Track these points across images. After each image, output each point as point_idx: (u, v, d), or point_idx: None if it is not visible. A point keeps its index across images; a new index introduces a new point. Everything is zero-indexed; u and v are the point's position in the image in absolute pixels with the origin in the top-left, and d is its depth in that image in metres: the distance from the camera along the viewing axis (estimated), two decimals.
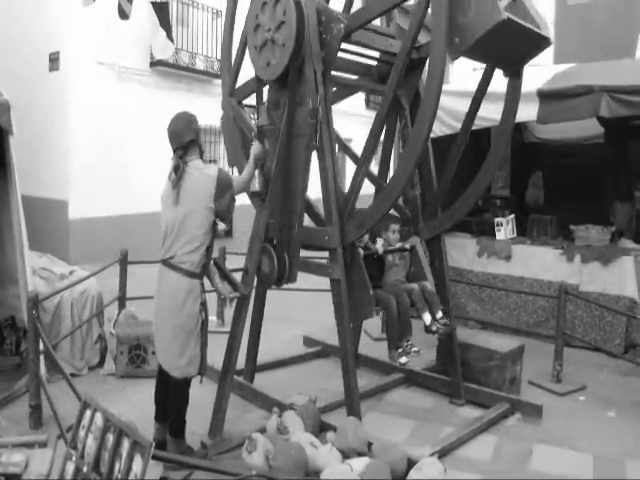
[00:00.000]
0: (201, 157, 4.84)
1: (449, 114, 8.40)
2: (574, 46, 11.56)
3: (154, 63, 14.90)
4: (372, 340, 8.29)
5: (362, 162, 5.11)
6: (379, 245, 5.53)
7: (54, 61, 13.78)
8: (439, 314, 5.55)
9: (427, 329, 5.59)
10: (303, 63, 4.88)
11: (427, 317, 5.54)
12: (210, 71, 16.32)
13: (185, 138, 4.70)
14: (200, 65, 16.19)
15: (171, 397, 4.89)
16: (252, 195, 5.16)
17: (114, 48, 13.93)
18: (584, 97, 7.52)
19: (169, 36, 14.02)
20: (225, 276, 4.90)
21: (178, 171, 4.66)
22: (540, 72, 8.43)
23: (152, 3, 13.89)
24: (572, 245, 8.67)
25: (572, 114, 7.70)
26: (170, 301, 4.63)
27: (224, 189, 4.64)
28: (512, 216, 9.22)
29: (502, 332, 8.47)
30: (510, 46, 4.87)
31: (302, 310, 9.50)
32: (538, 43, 5.02)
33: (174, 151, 4.74)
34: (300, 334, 8.10)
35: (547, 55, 11.64)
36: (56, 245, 12.46)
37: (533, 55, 5.19)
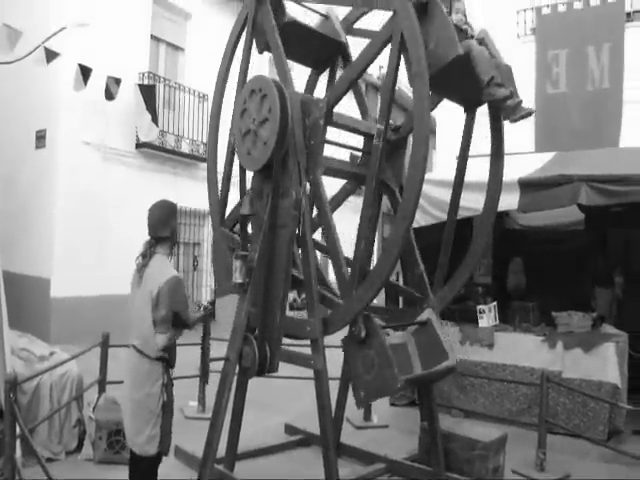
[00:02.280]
0: (171, 249, 5.05)
1: (432, 203, 8.49)
2: (556, 134, 11.78)
3: (140, 145, 15.00)
4: (354, 428, 8.22)
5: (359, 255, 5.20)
6: None
7: (40, 139, 13.88)
8: None
9: None
10: (287, 155, 4.98)
11: None
12: (195, 154, 16.42)
13: (160, 233, 4.91)
14: (185, 148, 16.28)
15: (132, 473, 4.99)
16: (234, 286, 5.20)
17: (100, 128, 14.04)
18: (564, 186, 7.70)
19: (154, 119, 14.20)
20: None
21: (145, 259, 4.90)
22: (521, 161, 8.61)
23: (139, 86, 14.16)
24: (554, 332, 8.71)
25: (552, 203, 7.88)
26: (131, 381, 4.80)
27: (163, 300, 4.69)
28: (494, 303, 9.26)
29: (485, 420, 8.40)
30: None
31: (284, 397, 9.41)
32: None
33: (149, 235, 4.96)
34: (282, 421, 7.99)
35: (528, 143, 11.89)
36: (37, 323, 12.35)
37: None
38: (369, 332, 4.81)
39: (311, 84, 6.84)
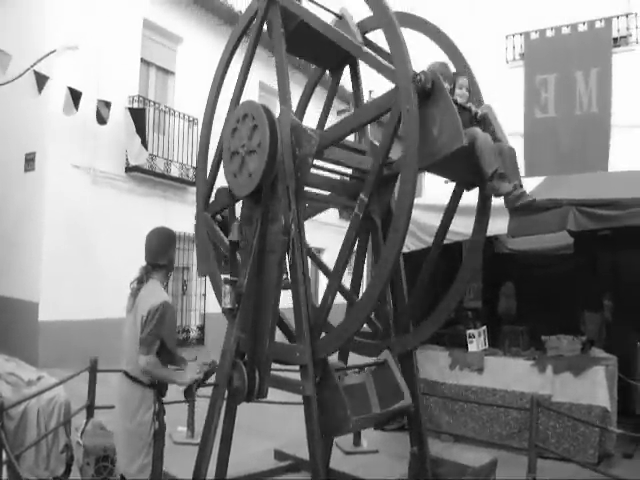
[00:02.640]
0: (167, 276, 5.07)
1: (421, 228, 8.50)
2: (544, 159, 11.87)
3: (129, 168, 14.96)
4: (344, 454, 8.17)
5: (334, 278, 5.19)
6: None
7: (30, 162, 13.82)
8: None
9: None
10: (276, 179, 4.98)
11: None
12: (185, 178, 16.40)
13: (158, 261, 4.92)
14: (175, 172, 16.26)
15: None
16: (223, 311, 5.20)
17: (90, 152, 14.00)
18: (552, 211, 7.71)
19: (143, 142, 14.18)
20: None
21: (140, 284, 4.90)
22: None
23: (129, 109, 14.17)
24: (544, 356, 8.72)
25: (541, 228, 7.89)
26: (123, 408, 4.76)
27: (149, 321, 4.65)
28: (484, 328, 9.28)
29: (475, 445, 8.37)
30: None
31: (273, 422, 9.36)
32: None
33: (145, 261, 4.96)
34: (271, 447, 7.95)
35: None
36: (25, 347, 12.27)
37: None
38: (324, 375, 4.93)
39: (313, 81, 6.88)
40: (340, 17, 6.03)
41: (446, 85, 4.77)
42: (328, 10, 6.02)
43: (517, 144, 12.37)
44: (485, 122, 5.35)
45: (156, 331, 4.62)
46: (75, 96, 12.65)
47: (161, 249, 4.92)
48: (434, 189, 11.07)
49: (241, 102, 5.50)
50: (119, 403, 4.83)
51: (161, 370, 4.73)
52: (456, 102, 4.90)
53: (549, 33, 12.64)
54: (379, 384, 5.49)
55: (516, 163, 5.45)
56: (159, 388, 4.79)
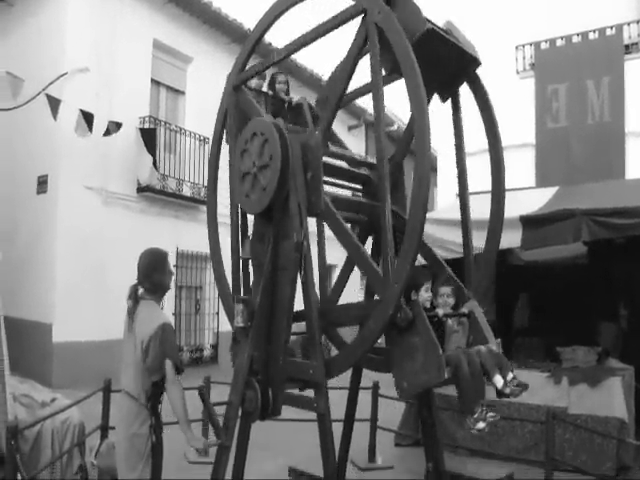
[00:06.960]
0: (159, 298, 5.10)
1: (435, 243, 8.34)
2: (557, 169, 11.83)
3: (141, 189, 15.06)
4: (359, 470, 8.12)
5: None
6: (440, 309, 5.21)
7: (42, 184, 13.94)
8: (510, 375, 5.15)
9: (499, 393, 5.17)
10: (288, 197, 4.95)
11: (498, 379, 5.09)
12: (197, 197, 16.43)
13: (142, 285, 4.97)
14: (187, 191, 16.32)
15: None
16: (236, 330, 5.18)
17: (102, 173, 14.13)
18: (566, 222, 7.65)
19: (155, 163, 14.25)
20: (209, 414, 4.95)
21: (134, 301, 4.92)
22: (525, 196, 8.57)
23: (140, 130, 14.24)
24: (559, 367, 8.66)
25: (555, 239, 7.83)
26: (123, 422, 4.84)
27: (153, 349, 4.71)
28: (498, 340, 9.17)
29: (491, 459, 8.28)
30: None
31: (287, 439, 9.28)
32: None
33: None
34: (285, 464, 7.88)
35: (529, 178, 11.93)
36: (39, 368, 12.31)
37: None
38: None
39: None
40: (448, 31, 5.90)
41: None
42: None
43: (529, 155, 12.49)
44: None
45: (161, 354, 4.69)
46: (88, 118, 12.73)
47: (145, 272, 4.94)
48: (447, 203, 10.99)
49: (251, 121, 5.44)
50: (118, 419, 4.95)
51: (183, 401, 4.75)
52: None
53: (559, 42, 12.60)
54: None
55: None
56: (153, 403, 4.85)
